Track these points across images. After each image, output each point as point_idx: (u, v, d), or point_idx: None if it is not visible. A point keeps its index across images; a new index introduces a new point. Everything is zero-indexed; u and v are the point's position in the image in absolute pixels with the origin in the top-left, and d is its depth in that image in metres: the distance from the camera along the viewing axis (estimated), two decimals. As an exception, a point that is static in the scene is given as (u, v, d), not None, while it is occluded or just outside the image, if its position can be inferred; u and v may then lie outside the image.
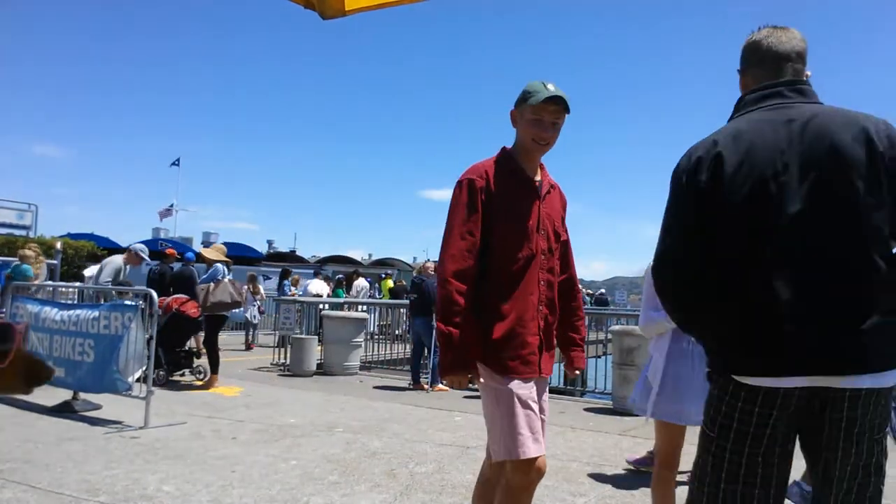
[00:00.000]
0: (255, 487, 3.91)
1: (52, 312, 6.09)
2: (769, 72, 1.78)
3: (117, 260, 7.72)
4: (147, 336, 5.54)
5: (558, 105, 2.35)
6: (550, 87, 2.34)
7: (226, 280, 8.12)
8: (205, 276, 8.27)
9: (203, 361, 8.14)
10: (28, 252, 8.77)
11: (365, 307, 12.52)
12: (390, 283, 18.03)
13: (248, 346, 13.29)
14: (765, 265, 1.59)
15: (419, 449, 5.05)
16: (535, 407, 2.32)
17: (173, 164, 35.38)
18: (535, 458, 2.25)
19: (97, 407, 6.03)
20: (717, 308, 1.67)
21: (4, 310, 6.72)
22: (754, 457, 1.63)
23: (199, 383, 7.90)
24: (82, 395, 6.06)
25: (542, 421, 2.38)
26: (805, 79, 1.77)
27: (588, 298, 24.44)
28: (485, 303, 2.32)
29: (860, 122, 1.61)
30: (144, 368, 5.62)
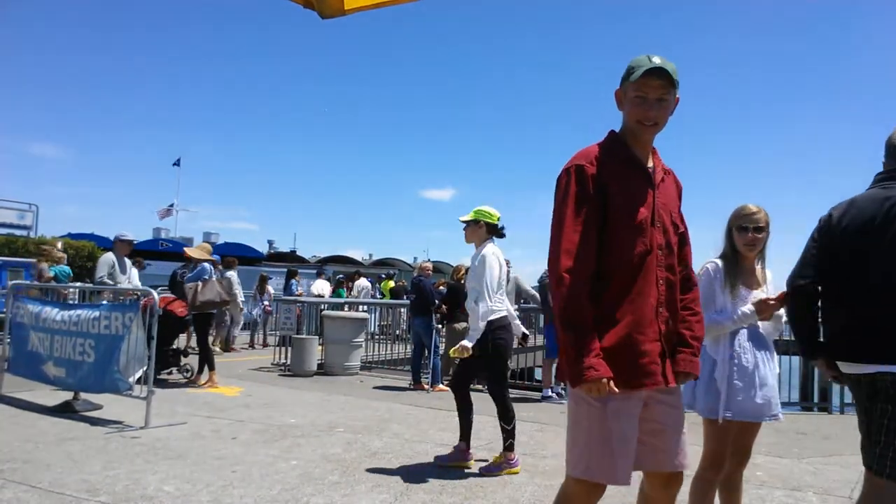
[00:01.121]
0: (256, 487, 3.91)
1: (52, 312, 6.10)
2: (891, 162, 2.43)
3: (107, 255, 7.72)
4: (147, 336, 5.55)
5: (662, 79, 2.05)
6: (656, 59, 2.07)
7: (213, 279, 8.14)
8: (191, 276, 8.29)
9: (191, 360, 8.14)
10: (61, 254, 9.31)
11: (365, 307, 12.52)
12: (391, 283, 18.03)
13: (251, 345, 13.38)
14: (866, 289, 2.26)
15: (420, 449, 5.05)
16: (634, 426, 2.07)
17: (174, 164, 35.43)
18: (604, 486, 2.09)
19: (98, 407, 6.03)
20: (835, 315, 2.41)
21: (5, 309, 6.73)
22: None
23: (200, 383, 7.90)
24: (83, 395, 6.07)
25: (673, 434, 2.14)
26: None
27: None
28: (596, 307, 2.04)
29: None
30: (145, 368, 5.62)
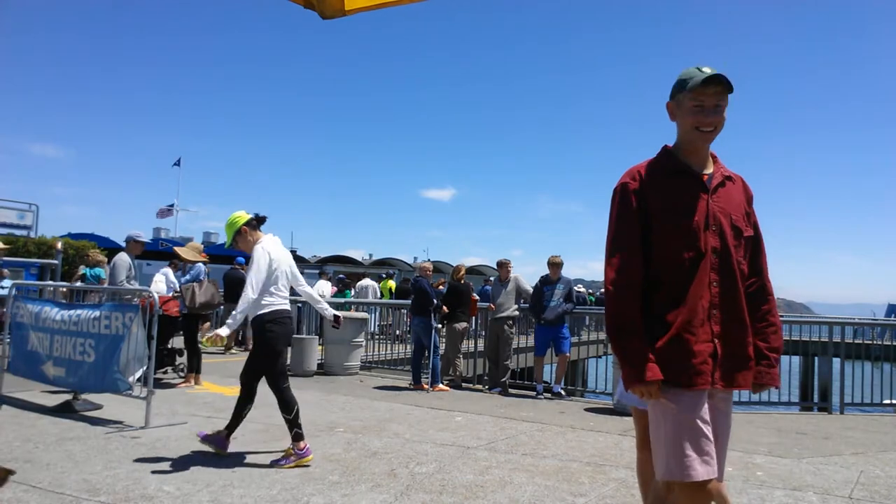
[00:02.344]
0: (256, 487, 3.91)
1: (52, 312, 6.10)
2: None
3: (124, 257, 7.69)
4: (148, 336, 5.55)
5: (719, 85, 2.16)
6: (706, 69, 2.18)
7: (208, 281, 8.14)
8: (188, 277, 8.28)
9: (185, 360, 8.13)
10: (100, 257, 9.95)
11: (365, 307, 12.52)
12: (391, 283, 18.02)
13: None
14: None
15: (420, 449, 5.06)
16: (705, 423, 2.10)
17: (175, 164, 35.42)
18: (705, 482, 2.07)
19: (98, 407, 6.03)
20: None
21: (6, 309, 6.73)
22: None
23: (178, 383, 7.85)
24: (83, 395, 6.07)
25: (721, 443, 2.18)
26: None
27: (591, 298, 24.44)
28: (648, 311, 2.16)
29: None
30: (144, 368, 5.62)
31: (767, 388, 2.30)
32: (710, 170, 2.27)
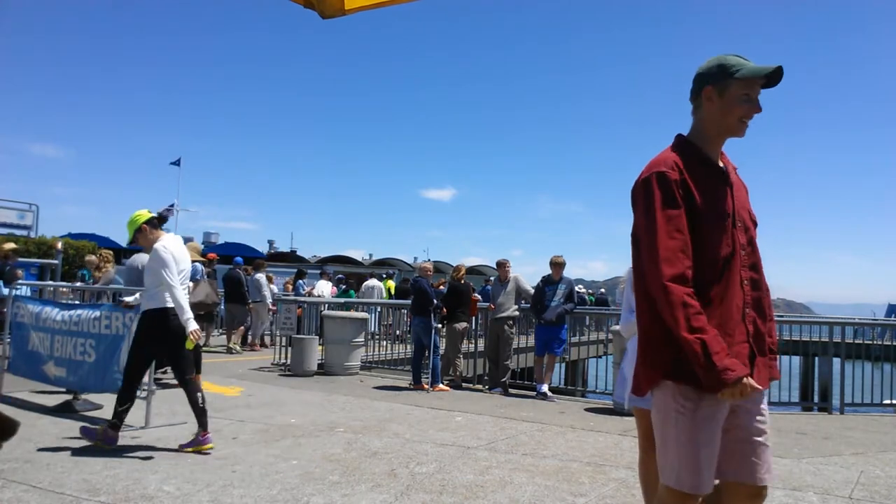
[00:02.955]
0: (256, 487, 3.91)
1: (52, 312, 6.10)
2: None
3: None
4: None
5: (763, 78, 2.09)
6: (749, 60, 2.11)
7: (204, 280, 8.14)
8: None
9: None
10: (91, 258, 9.98)
11: (365, 307, 12.52)
12: (391, 283, 18.02)
13: (252, 346, 13.44)
14: None
15: (420, 449, 5.06)
16: (719, 433, 2.03)
17: (173, 163, 35.36)
18: (697, 496, 2.02)
19: (98, 407, 6.03)
20: None
21: (6, 309, 6.73)
22: None
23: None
24: (83, 395, 6.07)
25: (759, 445, 2.09)
26: None
27: (591, 298, 24.45)
28: None
29: None
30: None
31: (773, 381, 2.22)
32: (721, 163, 2.19)
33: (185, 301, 4.67)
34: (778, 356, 2.26)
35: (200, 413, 4.71)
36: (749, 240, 2.13)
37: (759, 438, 2.09)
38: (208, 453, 4.61)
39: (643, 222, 2.07)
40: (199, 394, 4.75)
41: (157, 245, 4.76)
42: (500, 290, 8.85)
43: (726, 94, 2.10)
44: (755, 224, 2.22)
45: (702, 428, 2.00)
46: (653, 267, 1.99)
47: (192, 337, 4.62)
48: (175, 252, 4.75)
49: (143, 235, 4.91)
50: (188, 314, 4.64)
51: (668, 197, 2.02)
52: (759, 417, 2.11)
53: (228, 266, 13.03)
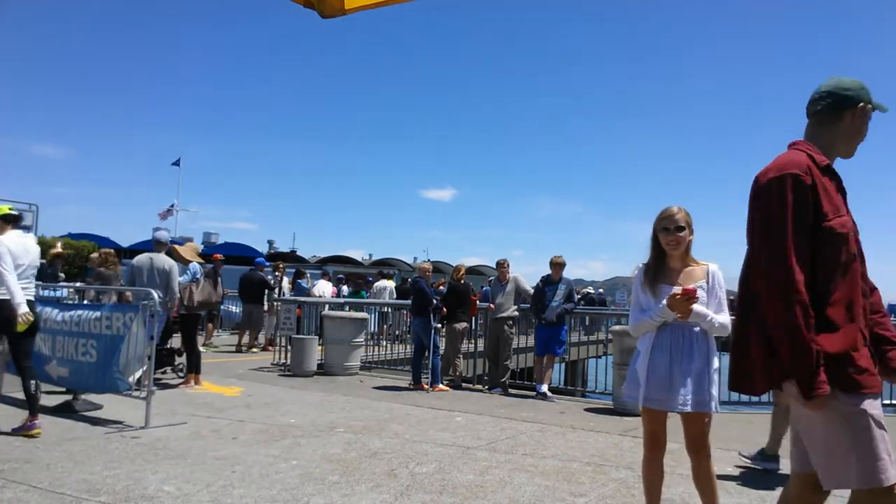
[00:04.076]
0: (256, 487, 3.91)
1: (53, 313, 6.10)
2: None
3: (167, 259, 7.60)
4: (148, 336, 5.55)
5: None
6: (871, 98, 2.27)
7: (204, 280, 8.14)
8: (186, 277, 8.28)
9: (184, 359, 8.13)
10: (92, 256, 10.14)
11: (365, 307, 12.53)
12: (391, 283, 18.03)
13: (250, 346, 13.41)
14: None
15: (420, 449, 5.06)
16: (885, 425, 2.08)
17: (174, 163, 35.36)
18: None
19: (98, 407, 6.04)
20: None
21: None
22: None
23: (178, 384, 7.84)
24: (83, 395, 6.07)
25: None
26: None
27: (594, 298, 24.44)
28: (817, 317, 2.05)
29: None
30: (144, 368, 5.63)
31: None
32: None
33: (15, 286, 4.92)
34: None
35: (31, 399, 5.02)
36: (859, 248, 2.21)
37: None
38: (37, 437, 4.85)
39: (767, 220, 2.10)
40: (32, 382, 5.06)
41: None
42: (500, 291, 8.85)
43: (865, 119, 2.27)
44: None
45: (871, 420, 2.05)
46: (781, 268, 2.03)
47: (20, 320, 4.89)
48: (12, 247, 5.04)
49: None
50: (18, 299, 4.90)
51: (798, 201, 2.06)
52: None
53: (231, 266, 13.01)
